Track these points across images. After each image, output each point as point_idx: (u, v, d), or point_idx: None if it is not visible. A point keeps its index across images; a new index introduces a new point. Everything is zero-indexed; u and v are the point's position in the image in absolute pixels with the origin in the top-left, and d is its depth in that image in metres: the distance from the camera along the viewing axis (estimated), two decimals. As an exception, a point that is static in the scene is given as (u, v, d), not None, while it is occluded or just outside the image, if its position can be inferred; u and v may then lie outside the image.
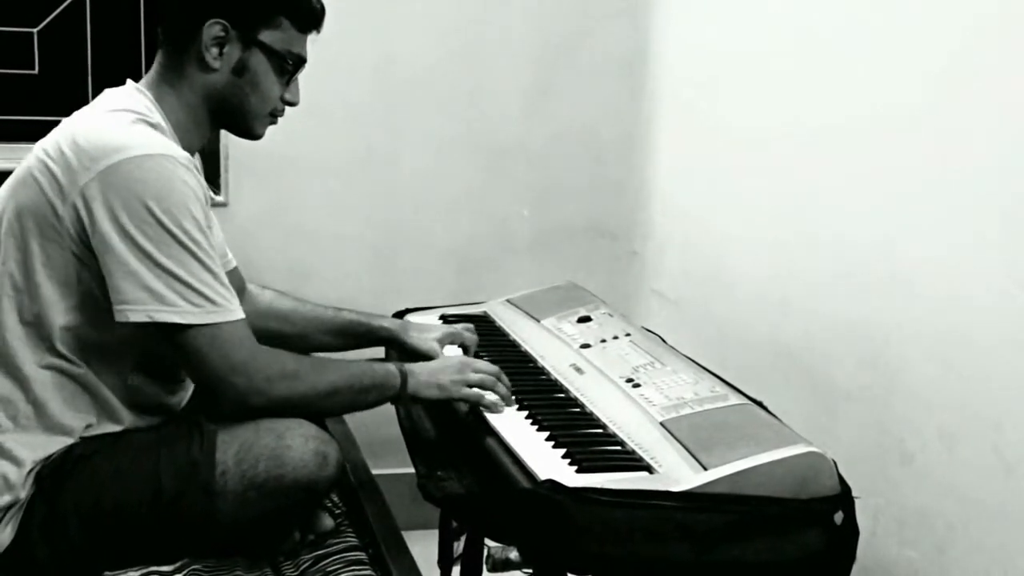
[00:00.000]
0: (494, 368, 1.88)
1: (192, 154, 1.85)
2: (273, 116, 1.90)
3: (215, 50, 1.79)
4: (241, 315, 1.72)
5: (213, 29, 1.78)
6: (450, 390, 1.85)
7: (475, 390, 1.84)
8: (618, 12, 3.02)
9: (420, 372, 1.87)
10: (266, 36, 1.81)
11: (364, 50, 2.88)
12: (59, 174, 1.69)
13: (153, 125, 1.76)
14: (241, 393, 1.71)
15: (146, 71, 1.88)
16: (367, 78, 2.90)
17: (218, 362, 1.69)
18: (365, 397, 1.83)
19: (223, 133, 2.78)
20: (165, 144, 1.71)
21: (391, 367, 1.87)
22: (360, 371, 1.84)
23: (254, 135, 1.91)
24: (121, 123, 1.72)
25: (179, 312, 1.65)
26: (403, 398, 1.86)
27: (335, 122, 2.90)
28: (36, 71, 2.81)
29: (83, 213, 1.66)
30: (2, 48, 2.77)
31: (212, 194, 1.91)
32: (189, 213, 1.66)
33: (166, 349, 1.72)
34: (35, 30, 2.80)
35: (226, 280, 1.73)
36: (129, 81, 1.85)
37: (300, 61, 1.88)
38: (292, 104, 1.91)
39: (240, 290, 2.13)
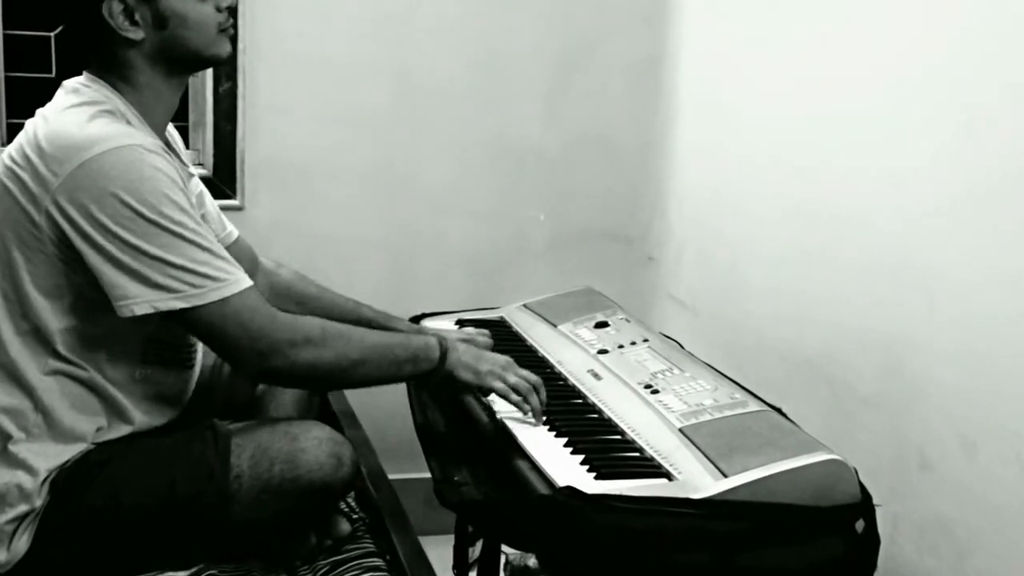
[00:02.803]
0: (535, 379, 1.82)
1: (163, 128, 1.82)
2: (224, 31, 1.80)
3: (127, 23, 1.72)
4: (249, 283, 1.69)
5: (112, 7, 1.71)
6: (484, 378, 1.81)
7: (506, 387, 1.80)
8: (635, 18, 3.02)
9: (463, 352, 1.83)
10: None
11: (382, 56, 2.88)
12: (29, 181, 1.66)
13: (113, 112, 1.72)
14: (264, 357, 1.68)
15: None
16: (385, 84, 2.90)
17: (236, 332, 1.66)
18: (399, 370, 1.79)
19: (239, 138, 2.79)
20: (128, 133, 1.67)
21: (432, 340, 1.82)
22: (395, 341, 1.81)
23: (219, 60, 1.83)
24: (81, 119, 1.68)
25: (183, 297, 1.63)
26: (439, 373, 1.81)
27: (352, 127, 2.90)
28: (53, 74, 2.81)
29: (59, 219, 1.63)
30: (19, 51, 2.78)
31: (192, 171, 1.88)
32: (166, 197, 1.63)
33: (171, 334, 1.71)
34: (52, 34, 2.80)
35: (224, 252, 1.69)
36: (85, 72, 1.79)
37: None
38: (230, 7, 1.81)
39: (252, 264, 2.12)
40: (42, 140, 1.67)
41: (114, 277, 1.62)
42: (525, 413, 1.79)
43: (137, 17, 1.72)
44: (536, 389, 1.80)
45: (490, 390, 1.81)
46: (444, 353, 1.80)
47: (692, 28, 2.90)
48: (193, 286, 1.63)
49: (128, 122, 1.73)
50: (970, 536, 1.88)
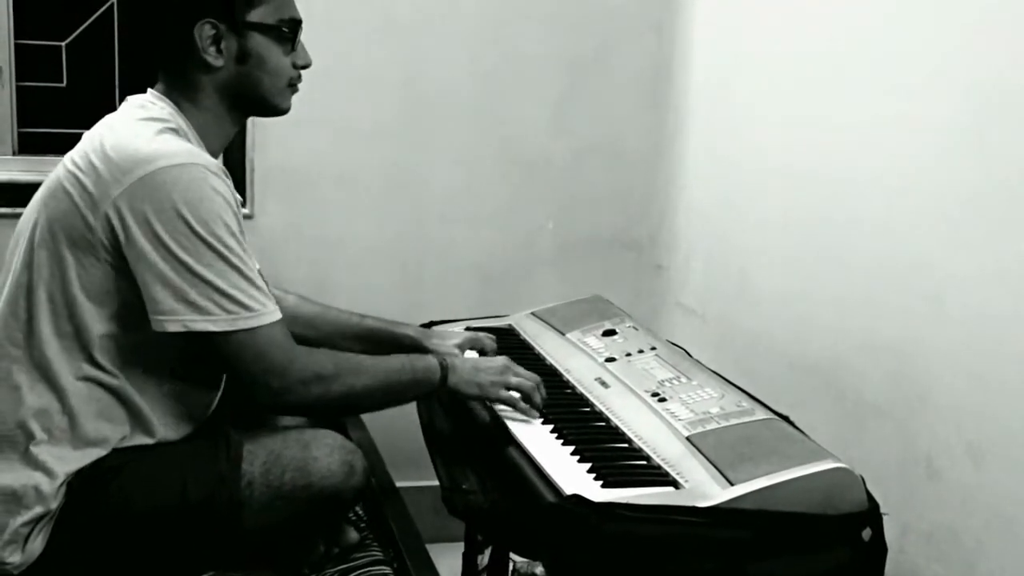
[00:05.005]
0: (535, 376, 1.89)
1: (217, 155, 1.86)
2: (292, 86, 1.88)
3: (213, 49, 1.78)
4: (277, 316, 1.73)
5: (204, 30, 1.77)
6: (488, 390, 1.87)
7: (511, 394, 1.86)
8: (644, 27, 3.02)
9: (461, 368, 1.88)
10: (255, 15, 1.80)
11: (391, 64, 2.89)
12: (90, 186, 1.69)
13: (178, 131, 1.77)
14: (277, 394, 1.73)
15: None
16: (394, 92, 2.91)
17: (254, 365, 1.70)
18: (404, 394, 1.86)
19: (248, 147, 2.80)
20: (194, 152, 1.72)
21: (432, 361, 1.87)
22: (399, 367, 1.85)
23: (280, 111, 1.90)
24: (149, 133, 1.73)
25: (214, 320, 1.66)
26: (443, 392, 1.87)
27: (361, 136, 2.91)
28: (64, 84, 2.83)
29: (116, 225, 1.67)
30: (31, 61, 2.79)
31: (239, 196, 1.90)
32: (221, 220, 1.67)
33: (204, 354, 1.73)
34: (63, 43, 2.82)
35: (261, 283, 1.73)
36: (149, 90, 1.85)
37: (295, 24, 1.85)
38: (305, 67, 1.88)
39: None
40: (109, 149, 1.71)
41: (155, 291, 1.66)
42: (532, 413, 1.85)
43: (223, 46, 1.79)
44: (537, 386, 1.88)
45: (497, 401, 1.87)
46: (445, 374, 1.86)
47: (701, 36, 2.90)
48: (227, 311, 1.67)
49: (190, 141, 1.77)
50: (978, 544, 1.87)
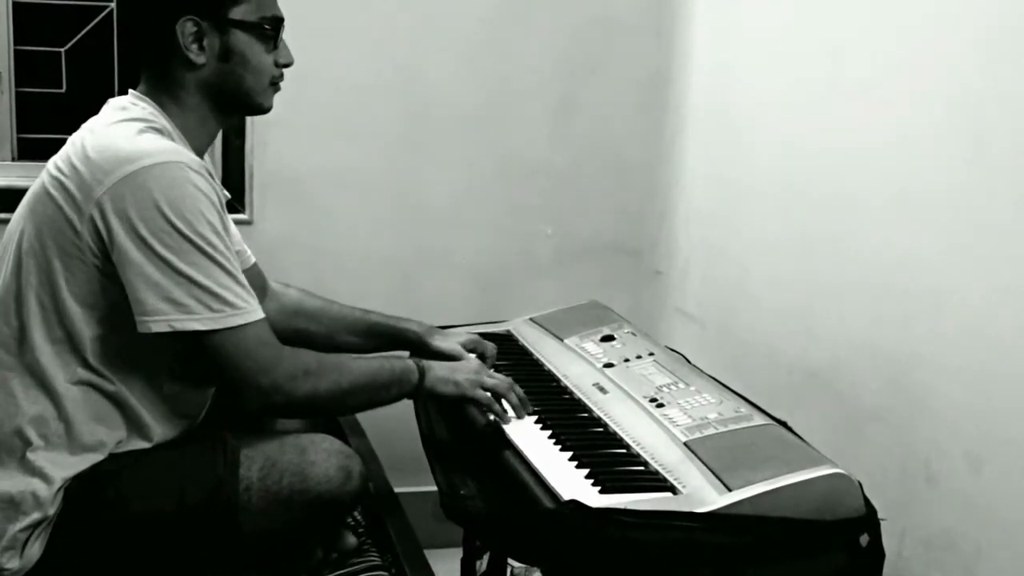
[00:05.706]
0: (508, 379, 1.92)
1: (202, 154, 1.86)
2: (275, 84, 1.89)
3: (195, 46, 1.79)
4: (261, 315, 1.73)
5: (186, 27, 1.77)
6: (465, 388, 1.88)
7: (487, 393, 1.88)
8: (643, 32, 3.03)
9: (438, 369, 1.90)
10: (237, 13, 1.80)
11: (389, 69, 2.90)
12: (73, 189, 1.69)
13: (160, 131, 1.77)
14: (265, 393, 1.72)
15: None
16: (392, 97, 2.91)
17: (242, 363, 1.70)
18: (386, 393, 1.86)
19: (247, 152, 2.81)
20: (175, 150, 1.72)
21: (410, 363, 1.89)
22: (380, 367, 1.86)
23: (263, 110, 1.90)
24: (130, 133, 1.73)
25: (199, 319, 1.66)
26: (421, 393, 1.88)
27: (359, 141, 2.91)
28: (63, 89, 2.83)
29: (100, 226, 1.67)
30: (30, 67, 2.80)
31: (226, 193, 1.90)
32: (204, 218, 1.67)
33: (196, 353, 1.74)
34: (63, 49, 2.82)
35: (245, 281, 1.73)
36: (131, 91, 1.85)
37: (278, 22, 1.86)
38: (287, 65, 1.89)
39: (262, 288, 2.15)
40: (90, 150, 1.71)
41: (139, 292, 1.65)
42: (518, 415, 1.87)
43: (205, 43, 1.79)
44: (511, 387, 1.90)
45: (473, 400, 1.88)
46: (422, 374, 1.87)
47: (700, 43, 2.91)
48: (211, 309, 1.66)
49: (173, 140, 1.77)
50: (976, 550, 1.87)
